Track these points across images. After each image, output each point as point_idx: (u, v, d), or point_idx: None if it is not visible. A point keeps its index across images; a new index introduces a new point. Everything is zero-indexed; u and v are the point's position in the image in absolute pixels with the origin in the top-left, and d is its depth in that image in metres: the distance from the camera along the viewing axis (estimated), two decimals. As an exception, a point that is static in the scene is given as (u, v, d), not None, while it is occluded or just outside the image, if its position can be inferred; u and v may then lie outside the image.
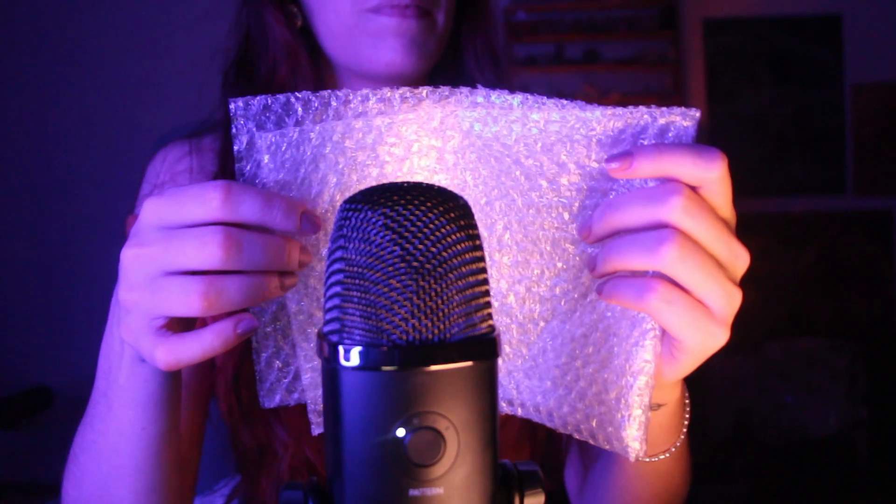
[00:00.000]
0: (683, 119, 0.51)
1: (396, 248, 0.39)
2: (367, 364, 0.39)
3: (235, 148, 0.53)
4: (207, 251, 0.47)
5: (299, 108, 0.53)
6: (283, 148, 0.52)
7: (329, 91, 0.53)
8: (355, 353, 0.39)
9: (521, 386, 0.59)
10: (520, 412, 0.60)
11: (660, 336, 0.53)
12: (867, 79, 4.25)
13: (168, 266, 0.49)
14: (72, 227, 3.85)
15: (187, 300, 0.48)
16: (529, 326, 0.58)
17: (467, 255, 0.41)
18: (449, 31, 0.84)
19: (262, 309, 0.57)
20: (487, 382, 0.41)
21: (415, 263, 0.39)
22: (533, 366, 0.59)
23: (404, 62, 0.79)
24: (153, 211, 0.50)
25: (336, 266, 0.41)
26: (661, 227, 0.49)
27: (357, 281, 0.39)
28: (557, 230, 0.56)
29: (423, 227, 0.40)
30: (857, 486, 3.44)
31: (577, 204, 0.54)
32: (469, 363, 0.40)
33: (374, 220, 0.40)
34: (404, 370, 0.39)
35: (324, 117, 0.53)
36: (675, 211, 0.48)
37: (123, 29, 3.82)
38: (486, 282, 0.42)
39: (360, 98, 0.53)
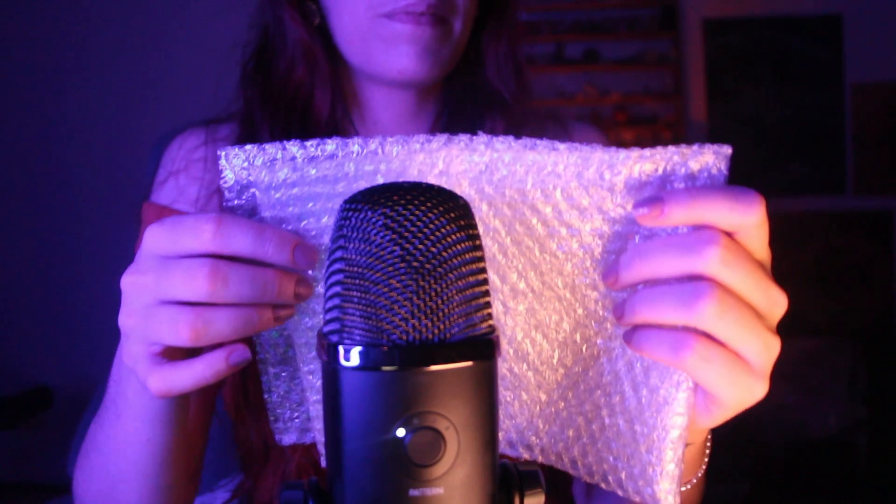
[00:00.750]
0: (716, 158, 0.48)
1: (396, 248, 0.39)
2: (367, 364, 0.39)
3: (225, 202, 0.52)
4: (195, 284, 0.48)
5: (286, 157, 0.51)
6: (279, 184, 0.51)
7: (317, 140, 0.51)
8: (355, 353, 0.39)
9: (541, 432, 0.58)
10: (540, 458, 0.58)
11: (693, 388, 0.50)
12: (867, 79, 4.25)
13: (161, 295, 0.49)
14: (72, 227, 3.85)
15: (176, 330, 0.48)
16: (548, 373, 0.56)
17: (467, 255, 0.41)
18: (467, 37, 0.82)
19: (268, 351, 0.57)
20: (487, 382, 0.41)
21: (415, 263, 0.39)
22: (553, 412, 0.57)
23: (417, 69, 0.78)
24: (152, 239, 0.50)
25: (336, 266, 0.41)
26: (696, 278, 0.46)
27: (357, 281, 0.39)
28: (578, 276, 0.53)
29: (423, 227, 0.40)
30: (857, 486, 3.44)
31: (598, 249, 0.51)
32: (469, 363, 0.40)
33: (374, 219, 0.40)
34: (404, 370, 0.39)
35: (310, 166, 0.51)
36: (713, 262, 0.45)
37: (131, 24, 3.82)
38: (486, 282, 0.42)
39: (357, 145, 0.51)
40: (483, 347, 0.40)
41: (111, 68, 3.82)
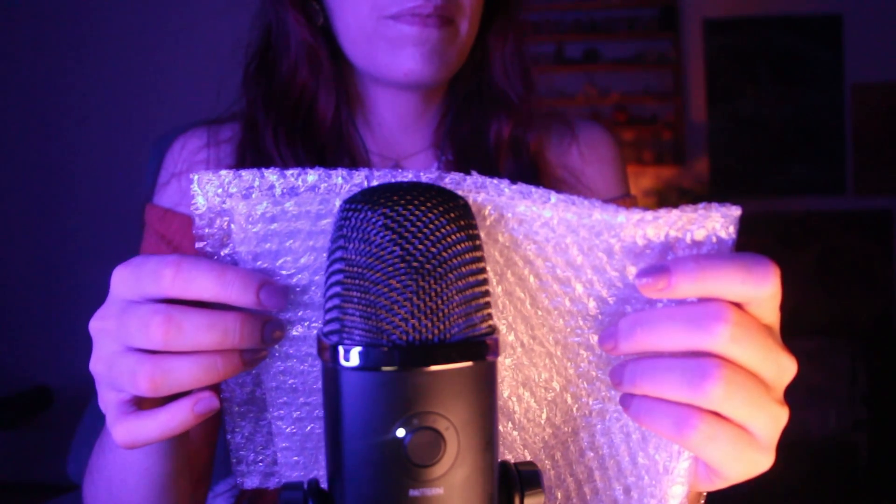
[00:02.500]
0: (724, 221, 0.44)
1: (396, 248, 0.39)
2: (367, 364, 0.39)
3: (195, 230, 0.49)
4: (149, 332, 0.45)
5: (264, 186, 0.47)
6: (256, 218, 0.47)
7: (300, 169, 0.48)
8: (355, 353, 0.39)
9: None
10: None
11: (694, 457, 0.48)
12: (867, 79, 4.25)
13: (123, 342, 0.47)
14: (72, 226, 3.85)
15: (134, 380, 0.46)
16: (534, 431, 0.54)
17: (467, 256, 0.41)
18: (473, 37, 0.81)
19: (234, 390, 0.53)
20: (487, 382, 0.41)
21: (415, 263, 0.39)
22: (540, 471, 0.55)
23: (423, 72, 0.76)
24: (117, 281, 0.48)
25: (336, 266, 0.41)
26: (702, 353, 0.43)
27: (357, 281, 0.39)
28: (570, 335, 0.49)
29: (423, 227, 0.40)
30: (857, 486, 3.44)
31: (593, 310, 0.48)
32: (469, 363, 0.40)
33: (373, 220, 0.40)
34: (404, 370, 0.38)
35: (289, 196, 0.48)
36: (721, 340, 0.42)
37: (133, 23, 3.82)
38: (486, 282, 0.42)
39: (340, 177, 0.48)
40: (483, 347, 0.40)
41: (112, 68, 3.82)
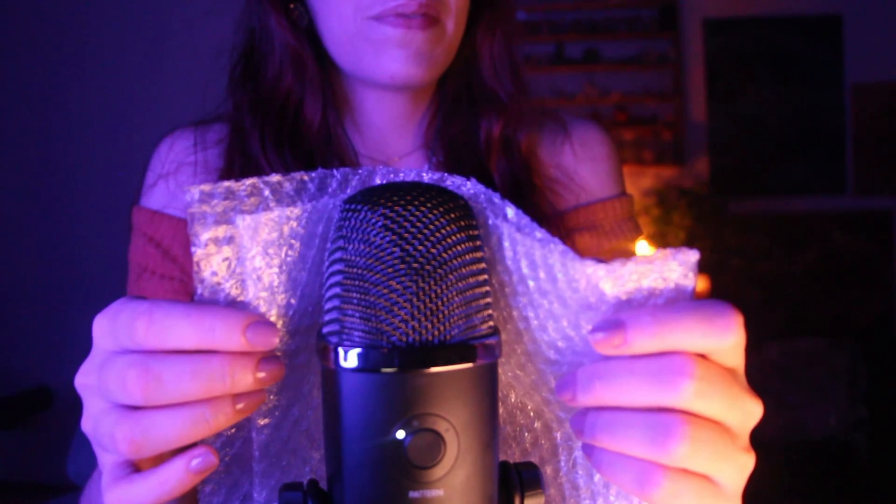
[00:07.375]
0: (683, 267, 0.41)
1: (396, 248, 0.39)
2: (367, 366, 0.39)
3: (193, 248, 0.45)
4: (126, 388, 0.41)
5: (268, 193, 0.45)
6: (267, 231, 0.44)
7: (302, 172, 0.45)
8: (354, 354, 0.39)
9: None
10: None
11: None
12: (867, 79, 4.25)
13: (107, 399, 0.43)
14: (72, 226, 3.85)
15: (114, 444, 0.42)
16: (507, 451, 0.53)
17: (467, 256, 0.40)
18: (460, 36, 0.80)
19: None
20: (488, 384, 0.41)
21: (415, 265, 0.39)
22: None
23: (409, 74, 0.75)
24: (98, 332, 0.44)
25: (335, 267, 0.41)
26: (665, 408, 0.41)
27: (356, 282, 0.39)
28: (532, 372, 0.48)
29: (423, 228, 0.39)
30: (857, 486, 3.44)
31: (552, 356, 0.46)
32: (469, 365, 0.39)
33: (373, 220, 0.40)
34: (404, 372, 0.38)
35: (297, 202, 0.45)
36: (685, 396, 0.40)
37: (125, 26, 3.82)
38: (486, 283, 0.42)
39: (337, 179, 0.46)
40: (483, 349, 0.40)
41: (108, 69, 3.82)
